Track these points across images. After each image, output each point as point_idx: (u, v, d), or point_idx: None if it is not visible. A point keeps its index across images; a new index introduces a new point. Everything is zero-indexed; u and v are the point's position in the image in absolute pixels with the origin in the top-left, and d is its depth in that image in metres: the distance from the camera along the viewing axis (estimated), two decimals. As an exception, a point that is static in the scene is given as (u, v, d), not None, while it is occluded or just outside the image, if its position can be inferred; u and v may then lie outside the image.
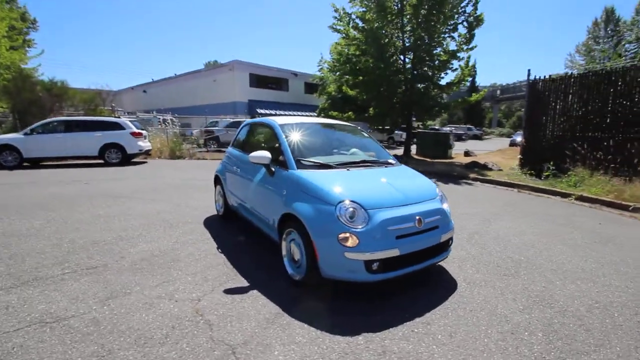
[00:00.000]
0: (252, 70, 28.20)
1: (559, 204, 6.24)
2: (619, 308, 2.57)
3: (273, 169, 3.15)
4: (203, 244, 3.82)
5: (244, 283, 2.89)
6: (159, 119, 17.35)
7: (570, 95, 8.20)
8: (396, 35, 13.30)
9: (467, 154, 17.30)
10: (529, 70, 9.06)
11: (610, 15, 31.37)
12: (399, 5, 12.74)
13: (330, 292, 2.70)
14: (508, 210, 5.72)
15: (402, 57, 13.46)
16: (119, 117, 12.90)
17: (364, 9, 13.18)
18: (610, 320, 2.41)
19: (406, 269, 2.58)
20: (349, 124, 4.27)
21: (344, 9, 13.58)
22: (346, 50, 14.74)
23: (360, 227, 2.43)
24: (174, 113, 19.26)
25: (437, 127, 30.39)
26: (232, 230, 4.33)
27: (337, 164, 3.12)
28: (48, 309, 2.40)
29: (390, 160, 3.54)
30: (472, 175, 9.15)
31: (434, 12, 12.26)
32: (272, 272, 3.11)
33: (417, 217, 2.61)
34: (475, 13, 12.82)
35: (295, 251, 2.80)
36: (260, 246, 3.77)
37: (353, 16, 13.52)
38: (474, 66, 13.18)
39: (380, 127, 16.75)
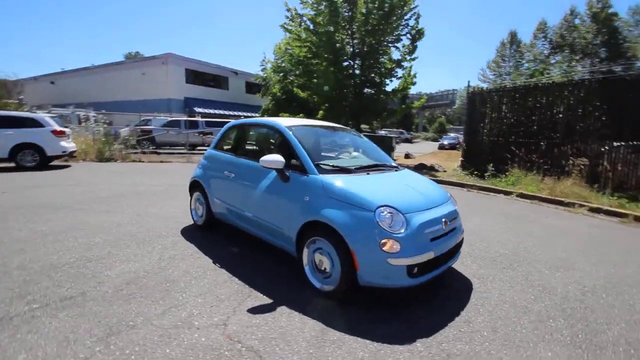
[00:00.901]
0: (189, 65, 26.28)
1: (505, 201, 7.07)
2: (604, 289, 3.00)
3: (287, 174, 2.95)
4: (194, 259, 3.39)
5: (265, 299, 2.64)
6: (80, 115, 15.09)
7: (503, 105, 9.39)
8: (347, 41, 13.70)
9: (407, 156, 18.61)
10: (468, 82, 10.14)
11: (513, 38, 36.91)
12: (350, 12, 13.15)
13: (357, 300, 2.61)
14: (470, 208, 6.27)
15: (352, 62, 13.91)
16: (35, 112, 10.84)
17: (314, 12, 13.29)
18: (603, 300, 2.79)
19: (436, 270, 2.63)
20: (344, 126, 4.23)
21: (295, 9, 13.52)
22: (297, 51, 14.65)
23: (401, 232, 2.40)
24: (95, 108, 16.89)
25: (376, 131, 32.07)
26: (219, 241, 3.94)
27: (356, 168, 3.06)
28: (33, 359, 1.87)
29: (393, 164, 3.59)
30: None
31: (383, 21, 12.94)
32: (288, 283, 2.90)
33: (444, 220, 2.69)
34: (417, 27, 13.89)
35: (323, 261, 2.65)
36: (260, 256, 3.49)
37: (304, 18, 13.55)
38: (415, 75, 14.22)
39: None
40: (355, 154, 3.67)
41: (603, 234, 4.85)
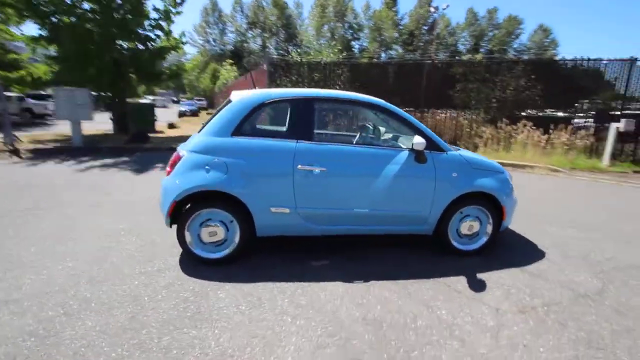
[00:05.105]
0: None
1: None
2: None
3: (425, 155, 2.84)
4: (322, 288, 2.41)
5: (461, 285, 2.65)
6: None
7: (298, 75, 10.99)
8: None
9: (171, 125, 16.59)
10: (268, 51, 10.74)
11: (215, 6, 38.88)
12: None
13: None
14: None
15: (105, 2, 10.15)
16: None
17: None
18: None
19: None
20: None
21: None
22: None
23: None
24: None
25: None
26: (275, 260, 2.82)
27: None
28: None
29: None
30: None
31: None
32: (438, 261, 2.97)
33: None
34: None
35: (472, 226, 3.01)
36: (355, 253, 3.05)
37: None
38: (184, 34, 12.69)
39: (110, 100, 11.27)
40: (382, 128, 3.77)
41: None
